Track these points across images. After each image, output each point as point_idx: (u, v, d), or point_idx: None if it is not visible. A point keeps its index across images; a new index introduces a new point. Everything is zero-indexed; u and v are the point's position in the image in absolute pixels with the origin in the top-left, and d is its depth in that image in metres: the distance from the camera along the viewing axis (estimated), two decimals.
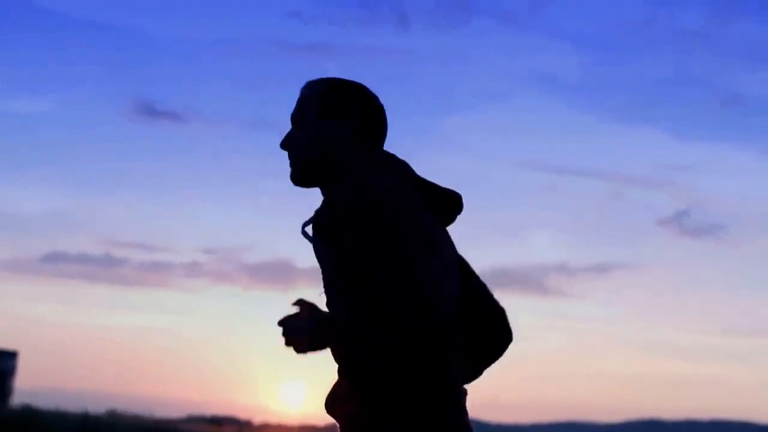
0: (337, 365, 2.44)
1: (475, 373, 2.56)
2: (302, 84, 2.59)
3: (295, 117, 2.56)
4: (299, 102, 2.57)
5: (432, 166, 2.51)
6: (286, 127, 2.58)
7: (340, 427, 2.45)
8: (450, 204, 2.51)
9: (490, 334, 2.53)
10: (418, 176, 2.50)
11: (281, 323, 2.30)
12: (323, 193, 2.54)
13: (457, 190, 2.52)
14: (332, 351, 2.39)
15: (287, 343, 2.29)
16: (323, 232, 2.40)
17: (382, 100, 2.58)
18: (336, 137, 2.49)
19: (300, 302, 2.32)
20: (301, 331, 2.29)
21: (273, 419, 24.72)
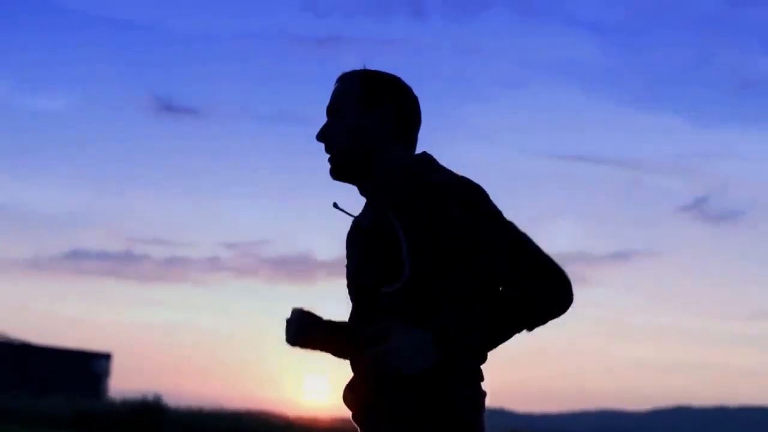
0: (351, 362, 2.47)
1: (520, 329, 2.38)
2: (321, 77, 2.84)
3: (332, 109, 2.50)
4: (335, 94, 2.51)
5: (451, 157, 2.49)
6: (306, 120, 2.70)
7: (353, 415, 2.46)
8: None
9: (554, 298, 2.36)
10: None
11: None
12: (360, 189, 2.50)
13: (477, 178, 2.47)
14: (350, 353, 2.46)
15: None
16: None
17: None
18: (376, 129, 2.45)
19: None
20: (291, 323, 2.45)
21: (303, 413, 25.21)
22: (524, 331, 2.35)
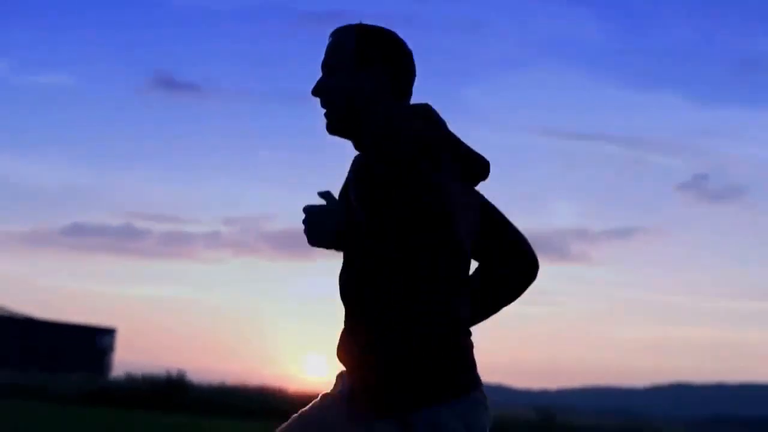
0: (344, 308, 2.47)
1: (497, 306, 2.58)
2: (321, 54, 2.57)
3: (327, 64, 2.53)
4: (330, 49, 2.53)
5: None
6: (305, 96, 2.54)
7: (347, 373, 2.49)
8: (475, 166, 2.49)
9: (512, 269, 2.54)
10: (449, 130, 2.49)
11: (306, 209, 2.38)
12: (356, 144, 2.52)
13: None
14: (343, 292, 2.45)
15: (306, 231, 2.37)
16: (360, 170, 2.41)
17: None
18: (370, 84, 2.48)
19: (326, 195, 2.40)
20: (323, 224, 2.35)
21: (304, 389, 25.22)
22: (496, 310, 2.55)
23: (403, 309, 2.32)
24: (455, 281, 2.37)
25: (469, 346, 2.43)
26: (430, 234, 2.30)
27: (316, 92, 2.52)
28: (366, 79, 2.48)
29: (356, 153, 2.53)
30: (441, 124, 2.48)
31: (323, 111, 2.52)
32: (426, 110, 2.49)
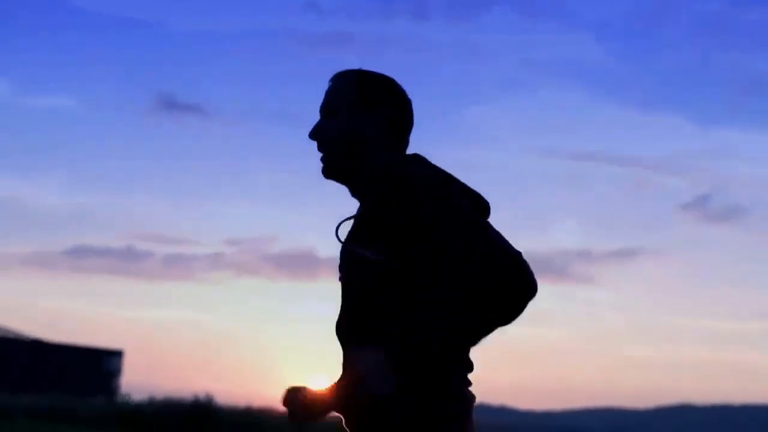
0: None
1: (488, 329, 2.33)
2: (323, 76, 2.55)
3: (326, 108, 2.52)
4: (330, 93, 2.53)
5: (455, 157, 3.08)
6: (308, 119, 2.54)
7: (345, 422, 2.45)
8: (478, 206, 2.45)
9: (506, 285, 2.28)
10: (447, 172, 2.48)
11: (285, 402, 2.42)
12: (352, 189, 2.51)
13: (481, 179, 2.46)
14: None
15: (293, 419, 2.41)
16: (375, 224, 2.38)
17: None
18: (369, 130, 2.47)
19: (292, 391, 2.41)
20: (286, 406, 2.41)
21: None
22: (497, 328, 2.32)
23: (402, 318, 2.31)
24: (457, 289, 2.28)
25: (470, 397, 2.39)
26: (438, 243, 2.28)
27: (314, 135, 2.52)
28: (366, 123, 2.48)
29: (351, 199, 2.53)
30: (436, 167, 2.46)
31: (320, 155, 2.51)
32: (419, 158, 2.48)
